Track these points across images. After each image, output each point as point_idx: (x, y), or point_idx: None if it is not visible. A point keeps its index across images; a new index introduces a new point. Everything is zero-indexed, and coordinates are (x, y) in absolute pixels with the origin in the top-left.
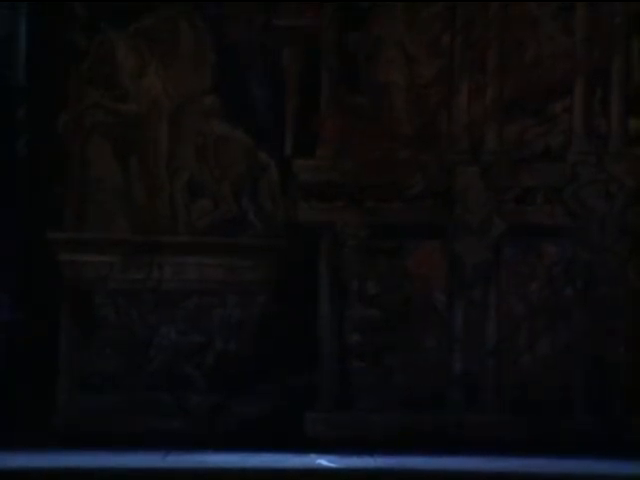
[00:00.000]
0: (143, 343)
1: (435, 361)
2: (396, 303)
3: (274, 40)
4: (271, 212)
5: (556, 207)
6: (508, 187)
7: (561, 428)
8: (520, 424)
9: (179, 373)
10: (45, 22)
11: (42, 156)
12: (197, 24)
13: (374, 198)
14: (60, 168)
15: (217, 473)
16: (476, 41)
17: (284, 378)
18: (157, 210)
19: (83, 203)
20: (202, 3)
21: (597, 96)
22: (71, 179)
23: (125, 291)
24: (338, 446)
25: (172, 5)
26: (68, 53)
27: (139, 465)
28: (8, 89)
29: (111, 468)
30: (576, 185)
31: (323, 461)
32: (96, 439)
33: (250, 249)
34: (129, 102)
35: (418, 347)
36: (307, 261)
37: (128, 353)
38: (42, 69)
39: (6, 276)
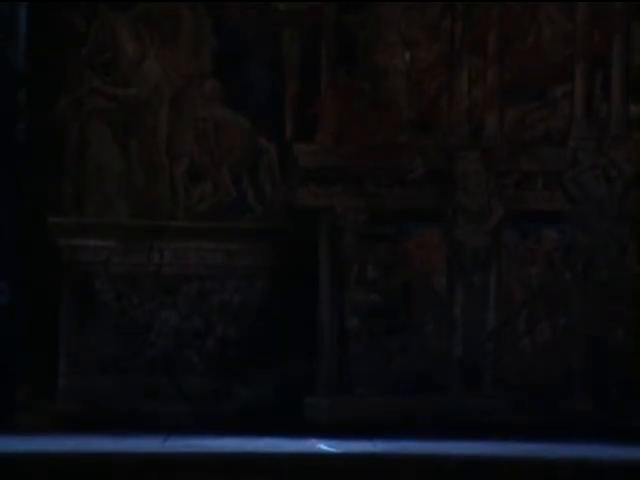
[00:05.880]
0: (143, 328)
1: (435, 345)
2: (396, 287)
3: (274, 24)
4: (271, 196)
5: (556, 192)
6: (508, 172)
7: (560, 411)
8: (519, 407)
9: (179, 358)
10: (45, 6)
11: (42, 140)
12: (197, 8)
13: (374, 182)
14: (60, 152)
15: (217, 457)
16: (476, 25)
17: (284, 363)
18: (157, 194)
19: (83, 187)
20: None
21: (598, 81)
22: (71, 163)
23: (125, 276)
24: (338, 431)
25: None
26: (68, 37)
27: (139, 449)
28: (8, 73)
29: (111, 452)
30: (576, 170)
31: (323, 445)
32: (96, 423)
33: (250, 233)
34: (129, 87)
35: (418, 331)
36: (307, 245)
37: (128, 338)
38: (42, 53)
39: (6, 261)
